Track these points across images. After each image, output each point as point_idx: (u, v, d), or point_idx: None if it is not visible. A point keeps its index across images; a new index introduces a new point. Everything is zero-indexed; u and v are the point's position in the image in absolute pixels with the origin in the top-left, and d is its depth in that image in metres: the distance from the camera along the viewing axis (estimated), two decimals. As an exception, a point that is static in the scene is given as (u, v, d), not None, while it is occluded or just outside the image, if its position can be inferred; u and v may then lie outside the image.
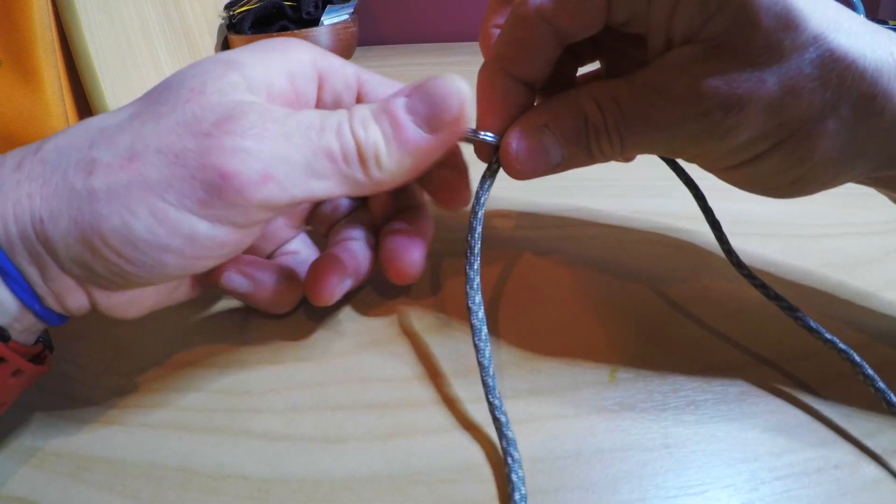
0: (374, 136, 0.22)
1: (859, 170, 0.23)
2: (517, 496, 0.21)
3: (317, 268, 0.27)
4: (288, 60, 0.24)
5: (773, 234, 0.35)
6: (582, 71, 0.31)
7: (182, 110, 0.20)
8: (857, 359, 0.24)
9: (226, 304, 0.31)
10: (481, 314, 0.24)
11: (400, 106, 0.22)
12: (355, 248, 0.29)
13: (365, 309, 0.31)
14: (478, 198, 0.25)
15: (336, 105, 0.26)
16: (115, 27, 0.49)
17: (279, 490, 0.22)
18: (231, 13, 0.65)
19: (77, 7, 0.44)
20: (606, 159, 0.25)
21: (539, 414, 0.25)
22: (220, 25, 0.67)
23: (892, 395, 0.23)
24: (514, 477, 0.21)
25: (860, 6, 0.55)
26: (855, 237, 0.35)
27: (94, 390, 0.27)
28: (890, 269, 0.33)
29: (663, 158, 0.28)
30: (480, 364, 0.23)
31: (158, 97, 0.21)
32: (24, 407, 0.25)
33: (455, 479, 0.22)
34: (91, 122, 0.22)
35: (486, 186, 0.25)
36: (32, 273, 0.20)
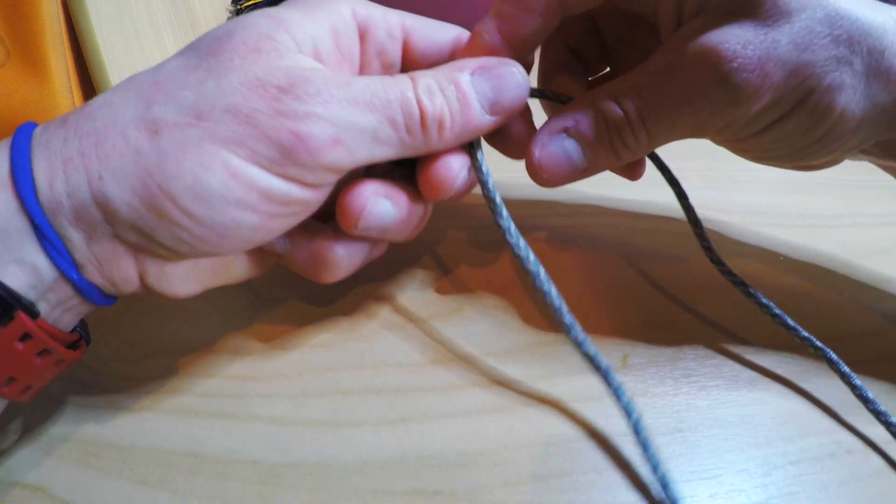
0: (440, 106, 0.22)
1: (876, 127, 0.23)
2: (634, 417, 0.21)
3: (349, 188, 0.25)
4: (331, 17, 0.23)
5: (786, 224, 0.35)
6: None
7: (242, 70, 0.20)
8: (833, 356, 0.24)
9: (233, 290, 0.31)
10: (532, 257, 0.23)
11: (467, 81, 0.23)
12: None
13: (374, 295, 0.31)
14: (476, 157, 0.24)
15: (381, 57, 0.25)
16: (124, 19, 0.49)
17: (290, 474, 0.22)
18: (239, 7, 0.65)
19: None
20: (633, 156, 0.24)
21: (553, 398, 0.25)
22: (227, 19, 0.67)
23: (866, 391, 0.23)
24: (624, 400, 0.22)
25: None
26: (865, 227, 0.35)
27: (102, 376, 0.26)
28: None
29: (649, 155, 0.28)
30: (550, 305, 0.23)
31: (208, 49, 0.21)
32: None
33: (468, 464, 0.22)
34: (138, 77, 0.21)
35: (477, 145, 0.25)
36: (75, 237, 0.20)
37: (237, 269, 0.25)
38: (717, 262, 0.27)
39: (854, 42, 0.21)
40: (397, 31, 0.25)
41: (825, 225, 0.35)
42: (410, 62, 0.26)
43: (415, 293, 0.31)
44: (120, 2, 0.48)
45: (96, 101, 0.20)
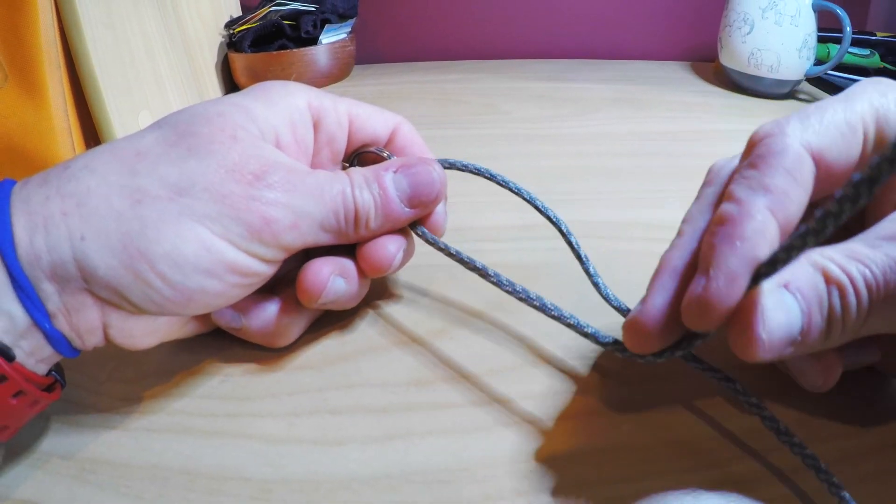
0: (367, 203, 0.26)
1: None
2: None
3: (307, 266, 0.27)
4: (290, 109, 0.27)
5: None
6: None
7: (221, 154, 0.23)
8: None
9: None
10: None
11: (389, 181, 0.26)
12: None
13: (361, 318, 0.32)
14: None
15: (330, 144, 0.29)
16: (119, 44, 0.50)
17: (281, 490, 0.23)
18: (231, 31, 0.66)
19: (83, 24, 0.45)
20: (844, 331, 0.19)
21: (534, 416, 0.26)
22: (221, 43, 0.68)
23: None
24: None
25: (846, 19, 0.56)
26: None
27: (99, 396, 0.27)
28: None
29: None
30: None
31: (186, 129, 0.23)
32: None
33: (451, 480, 0.23)
34: (118, 144, 0.23)
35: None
36: (48, 288, 0.21)
37: (189, 326, 0.27)
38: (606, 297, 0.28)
39: None
40: (344, 119, 0.29)
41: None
42: (353, 144, 0.30)
43: (401, 317, 0.32)
44: (116, 27, 0.49)
45: (77, 163, 0.22)
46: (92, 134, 0.50)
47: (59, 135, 0.47)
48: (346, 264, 0.28)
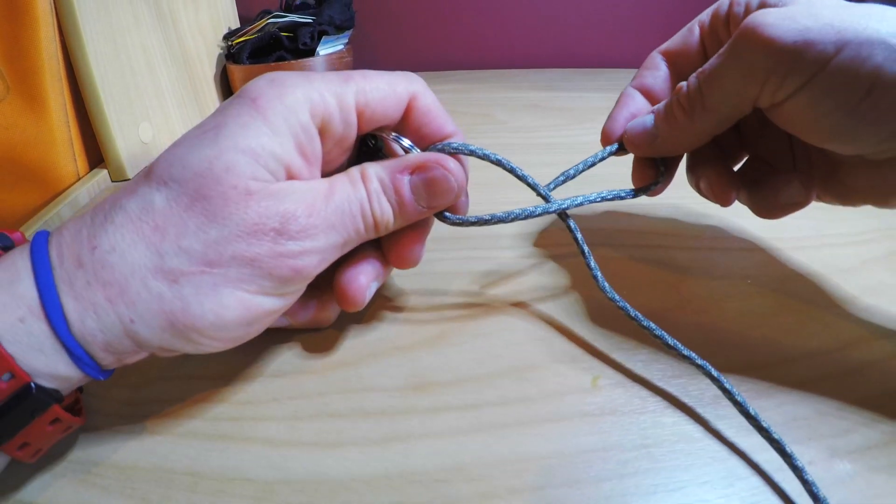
0: (387, 213, 0.27)
1: None
2: None
3: (345, 279, 0.29)
4: (294, 130, 0.25)
5: (753, 248, 0.37)
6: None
7: (239, 216, 0.23)
8: (728, 385, 0.25)
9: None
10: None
11: (406, 187, 0.27)
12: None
13: (361, 325, 0.32)
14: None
15: (339, 144, 0.27)
16: (120, 57, 0.50)
17: (283, 490, 0.23)
18: (230, 43, 0.67)
19: (84, 37, 0.46)
20: (690, 120, 0.29)
21: (528, 418, 0.26)
22: (219, 55, 0.69)
23: (761, 419, 0.24)
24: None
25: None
26: (833, 248, 0.37)
27: (104, 402, 0.28)
28: (865, 276, 0.35)
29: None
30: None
31: (197, 192, 0.23)
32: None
33: (448, 479, 0.24)
34: (130, 213, 0.23)
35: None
36: (103, 356, 0.23)
37: None
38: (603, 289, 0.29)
39: None
40: (352, 116, 0.27)
41: (792, 247, 0.37)
42: (364, 129, 0.28)
43: (400, 323, 0.32)
44: (117, 39, 0.50)
45: (102, 244, 0.22)
46: (93, 145, 0.51)
47: (60, 146, 0.48)
48: (378, 267, 0.29)
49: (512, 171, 0.29)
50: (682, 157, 0.34)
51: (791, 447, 0.23)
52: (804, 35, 0.24)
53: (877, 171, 0.27)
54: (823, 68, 0.23)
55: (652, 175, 0.33)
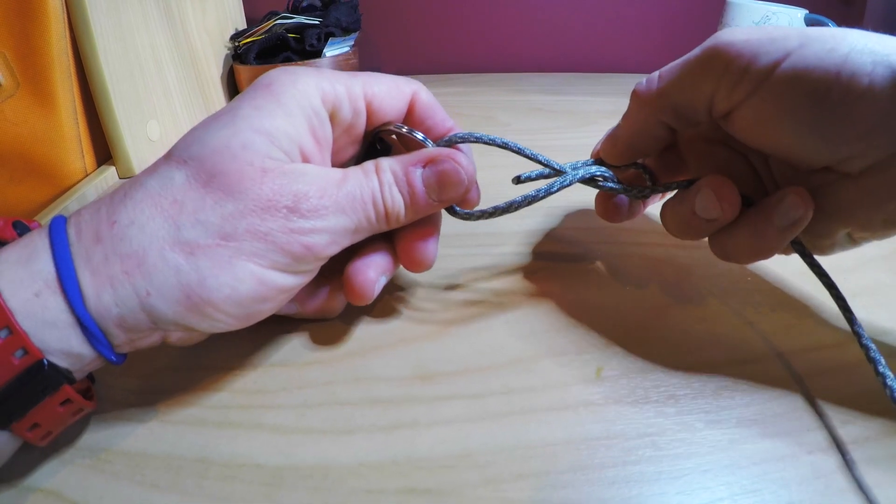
0: (398, 203, 0.28)
1: None
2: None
3: (354, 271, 0.30)
4: (307, 114, 0.26)
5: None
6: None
7: (254, 192, 0.24)
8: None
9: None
10: None
11: (418, 179, 0.28)
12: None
13: (368, 316, 0.33)
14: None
15: (349, 132, 0.29)
16: (129, 55, 0.51)
17: (292, 476, 0.24)
18: (237, 44, 0.67)
19: (94, 35, 0.47)
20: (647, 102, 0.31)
21: (532, 407, 0.27)
22: (226, 55, 0.69)
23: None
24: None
25: (832, 25, 0.57)
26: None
27: (114, 390, 0.28)
28: (865, 276, 0.35)
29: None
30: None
31: (214, 168, 0.24)
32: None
33: (454, 465, 0.24)
34: (150, 189, 0.24)
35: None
36: (116, 332, 0.23)
37: None
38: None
39: None
40: (361, 104, 0.29)
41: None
42: (372, 123, 0.30)
43: (406, 316, 0.33)
44: (126, 38, 0.51)
45: (122, 218, 0.23)
46: (100, 142, 0.51)
47: (68, 143, 0.48)
48: (387, 261, 0.30)
49: (520, 151, 0.30)
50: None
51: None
52: (756, 45, 0.25)
53: (855, 185, 0.26)
54: (771, 74, 0.24)
55: (615, 208, 0.34)
